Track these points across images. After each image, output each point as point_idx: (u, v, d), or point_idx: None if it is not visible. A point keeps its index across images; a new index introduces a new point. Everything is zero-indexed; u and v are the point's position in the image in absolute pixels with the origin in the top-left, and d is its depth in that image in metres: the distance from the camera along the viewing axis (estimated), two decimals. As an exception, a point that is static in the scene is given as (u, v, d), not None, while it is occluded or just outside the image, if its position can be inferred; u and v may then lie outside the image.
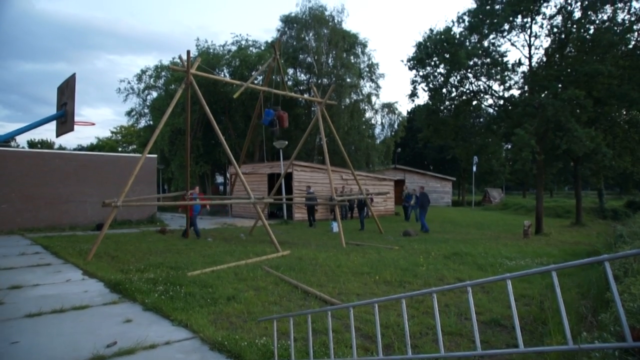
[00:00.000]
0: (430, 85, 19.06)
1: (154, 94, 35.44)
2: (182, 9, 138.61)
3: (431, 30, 18.72)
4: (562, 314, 2.11)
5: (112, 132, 64.06)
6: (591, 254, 10.00)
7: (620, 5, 16.54)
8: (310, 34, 31.98)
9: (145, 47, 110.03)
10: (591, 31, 17.11)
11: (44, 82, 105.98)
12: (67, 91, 12.23)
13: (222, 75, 30.23)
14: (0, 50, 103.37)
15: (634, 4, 16.53)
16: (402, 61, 19.69)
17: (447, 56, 18.02)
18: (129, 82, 36.00)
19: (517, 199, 48.45)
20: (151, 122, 35.71)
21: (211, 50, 32.09)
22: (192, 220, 15.33)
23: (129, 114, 37.55)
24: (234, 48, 32.68)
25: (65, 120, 12.12)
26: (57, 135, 13.32)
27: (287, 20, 33.16)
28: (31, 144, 63.40)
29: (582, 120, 16.56)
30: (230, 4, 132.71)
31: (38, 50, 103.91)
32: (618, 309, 1.94)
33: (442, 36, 18.05)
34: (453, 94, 19.20)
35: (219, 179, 40.57)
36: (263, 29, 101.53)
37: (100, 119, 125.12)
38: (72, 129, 12.08)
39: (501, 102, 19.03)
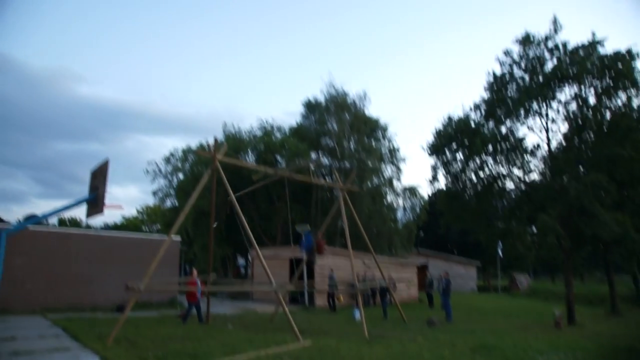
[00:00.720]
0: (451, 171, 19.30)
1: (180, 175, 36.51)
2: (209, 93, 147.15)
3: (449, 117, 19.29)
4: None
5: (137, 211, 65.49)
6: (632, 351, 9.48)
7: (633, 91, 16.91)
8: (333, 119, 33.10)
9: (173, 128, 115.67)
10: (608, 116, 17.39)
11: (77, 160, 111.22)
12: (99, 176, 12.84)
13: (248, 158, 31.20)
14: (43, 131, 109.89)
15: None
16: (422, 147, 20.16)
17: (466, 142, 18.40)
18: (156, 164, 37.34)
19: (546, 284, 46.73)
20: (176, 203, 36.46)
21: (237, 136, 33.37)
22: (197, 305, 15.17)
23: (154, 194, 38.58)
24: (259, 132, 33.97)
25: (96, 203, 12.62)
26: (87, 217, 13.80)
27: (309, 106, 34.55)
28: (61, 222, 64.94)
29: (607, 204, 16.31)
30: (255, 87, 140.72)
31: (74, 131, 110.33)
32: None
33: (459, 125, 18.55)
34: (473, 179, 19.34)
35: (241, 261, 40.46)
36: (286, 112, 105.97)
37: (126, 197, 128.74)
38: (101, 212, 12.52)
39: (522, 186, 19.04)
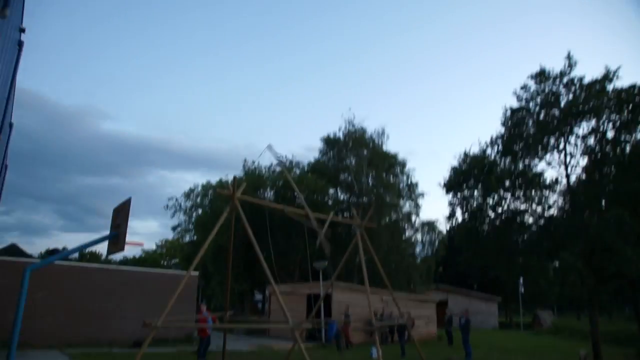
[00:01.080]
0: (468, 207, 19.19)
1: (200, 210, 36.95)
2: (230, 129, 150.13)
3: (466, 154, 19.31)
4: None
5: (157, 245, 66.05)
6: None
7: None
8: (351, 155, 33.38)
9: (193, 163, 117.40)
10: (628, 150, 17.18)
11: (99, 194, 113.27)
12: (121, 214, 13.11)
13: (266, 195, 31.49)
14: (67, 166, 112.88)
15: None
16: (439, 184, 20.14)
17: (482, 178, 18.36)
18: (176, 200, 37.91)
19: (571, 321, 45.15)
20: (195, 238, 36.77)
21: (257, 172, 33.81)
22: (207, 340, 15.07)
23: (174, 229, 39.03)
24: (278, 169, 34.38)
25: (117, 241, 12.85)
26: (108, 254, 14.01)
27: (328, 142, 34.95)
28: (81, 256, 65.67)
29: (631, 240, 15.90)
30: (274, 124, 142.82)
31: (97, 165, 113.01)
32: None
33: (473, 162, 18.54)
34: (491, 215, 19.17)
35: (258, 297, 40.29)
36: (306, 147, 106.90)
37: (146, 231, 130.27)
38: (122, 249, 12.71)
39: (542, 221, 18.75)
